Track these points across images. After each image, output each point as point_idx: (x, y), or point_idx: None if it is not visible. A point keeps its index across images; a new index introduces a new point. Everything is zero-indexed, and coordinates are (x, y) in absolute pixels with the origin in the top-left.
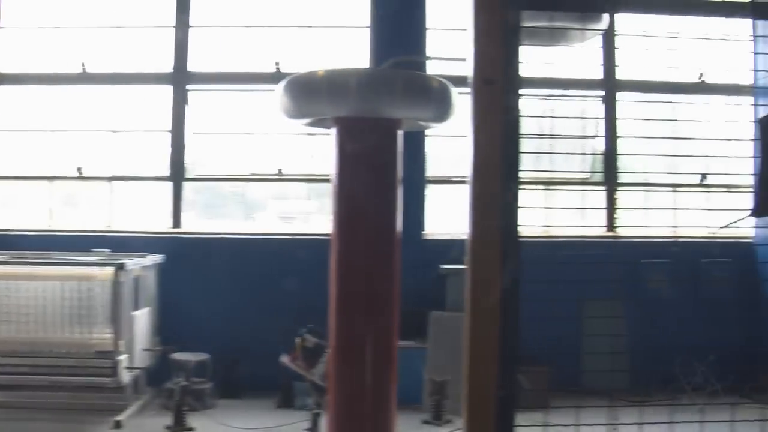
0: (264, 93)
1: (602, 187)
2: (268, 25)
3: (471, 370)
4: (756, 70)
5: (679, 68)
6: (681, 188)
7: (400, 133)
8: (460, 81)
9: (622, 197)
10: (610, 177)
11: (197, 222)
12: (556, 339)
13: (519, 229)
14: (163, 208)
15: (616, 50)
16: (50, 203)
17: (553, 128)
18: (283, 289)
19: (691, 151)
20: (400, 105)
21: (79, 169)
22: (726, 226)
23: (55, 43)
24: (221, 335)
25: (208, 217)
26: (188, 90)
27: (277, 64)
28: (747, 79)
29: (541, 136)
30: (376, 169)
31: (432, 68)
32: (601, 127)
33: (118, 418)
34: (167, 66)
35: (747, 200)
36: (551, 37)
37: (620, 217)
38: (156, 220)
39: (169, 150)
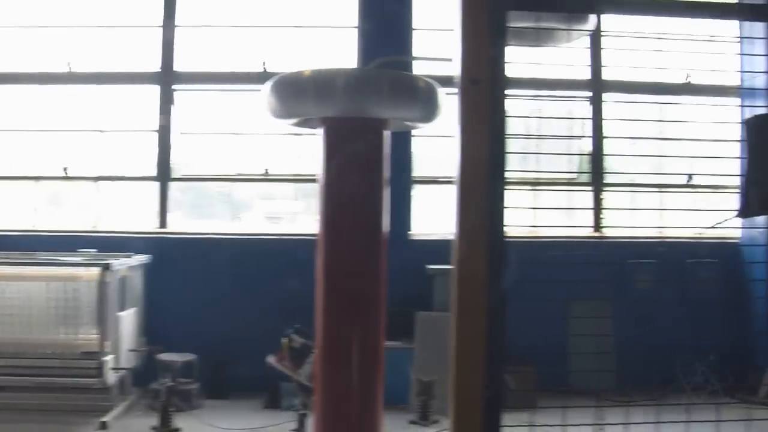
0: (251, 93)
1: (589, 188)
2: (255, 24)
3: (458, 370)
4: (742, 72)
5: (666, 69)
6: (667, 189)
7: (387, 133)
8: (446, 81)
9: (609, 198)
10: (596, 177)
11: (184, 222)
12: (543, 339)
13: (506, 229)
14: (150, 208)
15: (602, 51)
16: (36, 203)
17: (540, 128)
18: (270, 290)
19: (678, 152)
20: (387, 105)
21: (65, 169)
22: (713, 227)
23: (41, 42)
24: (208, 336)
25: (195, 217)
26: (174, 90)
27: (263, 63)
28: (733, 81)
29: (527, 136)
30: (362, 169)
31: (419, 68)
32: (587, 128)
33: (104, 419)
34: (154, 65)
35: (733, 201)
36: (538, 37)
37: (607, 217)
38: (142, 220)
39: (156, 150)
